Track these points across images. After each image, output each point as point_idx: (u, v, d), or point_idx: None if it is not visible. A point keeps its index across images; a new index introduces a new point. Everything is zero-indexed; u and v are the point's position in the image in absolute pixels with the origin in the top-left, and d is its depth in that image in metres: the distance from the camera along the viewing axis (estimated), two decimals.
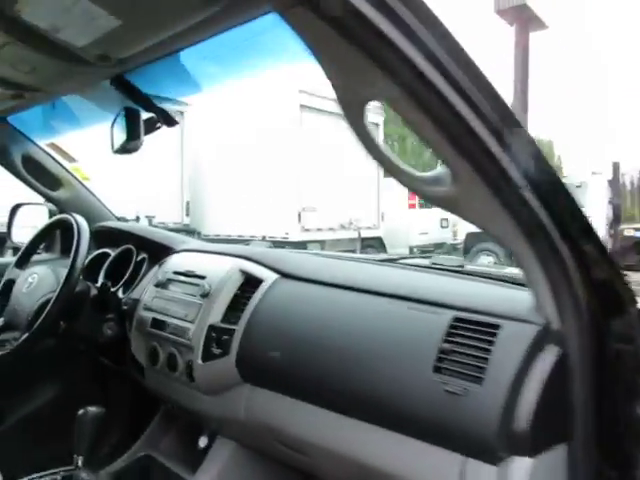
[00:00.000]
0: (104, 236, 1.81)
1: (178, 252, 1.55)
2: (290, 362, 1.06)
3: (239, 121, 8.29)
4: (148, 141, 1.31)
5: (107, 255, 1.76)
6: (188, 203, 8.51)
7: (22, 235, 2.00)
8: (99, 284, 1.61)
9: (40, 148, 1.80)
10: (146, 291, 1.47)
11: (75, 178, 1.90)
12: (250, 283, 1.23)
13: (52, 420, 1.76)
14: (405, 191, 10.61)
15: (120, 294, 1.60)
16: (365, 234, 8.92)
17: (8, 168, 1.74)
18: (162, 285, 1.42)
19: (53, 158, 1.84)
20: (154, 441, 1.60)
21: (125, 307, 1.50)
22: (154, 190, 7.56)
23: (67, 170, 1.87)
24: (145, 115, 1.26)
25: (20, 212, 2.01)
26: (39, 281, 1.48)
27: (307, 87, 8.47)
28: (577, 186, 8.87)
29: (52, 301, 1.37)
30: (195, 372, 1.22)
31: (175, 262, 1.49)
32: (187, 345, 1.25)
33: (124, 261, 1.69)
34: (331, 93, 0.62)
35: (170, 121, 1.29)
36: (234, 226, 8.00)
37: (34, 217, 2.05)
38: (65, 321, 1.49)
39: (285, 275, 1.20)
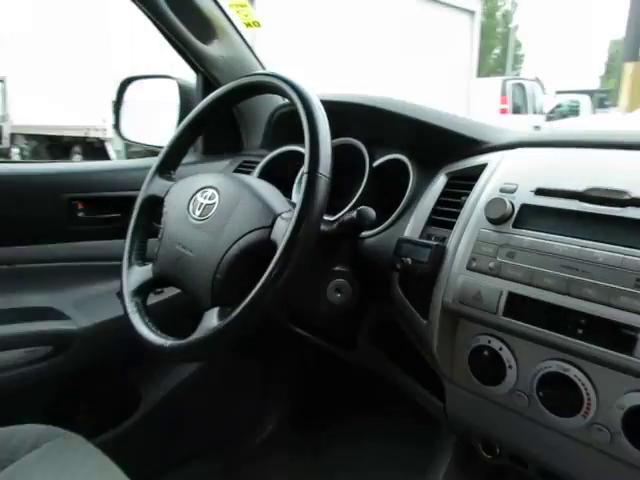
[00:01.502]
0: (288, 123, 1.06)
1: (503, 149, 0.76)
2: None
3: None
4: None
5: (295, 156, 1.05)
6: None
7: (133, 130, 1.29)
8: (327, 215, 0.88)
9: None
10: (459, 232, 0.71)
11: (235, 27, 1.16)
12: None
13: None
14: (497, 94, 9.48)
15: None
16: None
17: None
18: (518, 222, 0.65)
19: None
20: None
21: (408, 260, 0.75)
22: None
23: (225, 12, 1.13)
24: None
25: (131, 91, 1.29)
26: (226, 204, 0.72)
27: None
28: None
29: (278, 255, 0.62)
30: None
31: (525, 170, 0.70)
32: None
33: (342, 169, 0.96)
34: None
35: None
36: None
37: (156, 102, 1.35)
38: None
39: None
